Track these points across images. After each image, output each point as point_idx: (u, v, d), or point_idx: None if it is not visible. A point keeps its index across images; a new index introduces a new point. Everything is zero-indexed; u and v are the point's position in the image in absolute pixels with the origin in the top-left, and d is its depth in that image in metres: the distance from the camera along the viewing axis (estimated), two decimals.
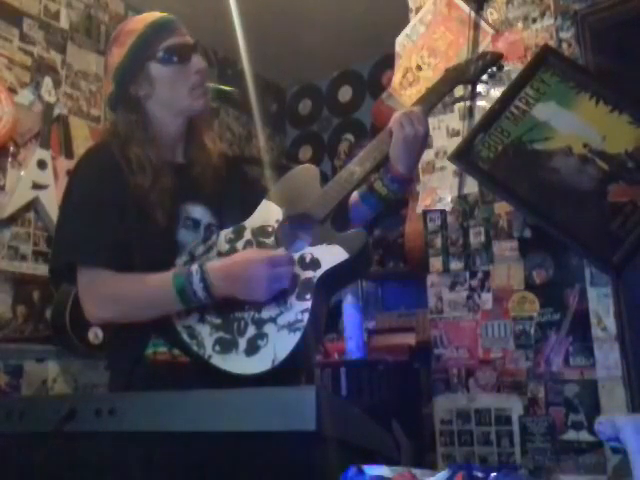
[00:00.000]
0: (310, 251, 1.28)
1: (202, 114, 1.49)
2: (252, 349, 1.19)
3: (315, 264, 1.26)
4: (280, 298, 1.24)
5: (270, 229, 1.35)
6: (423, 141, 1.40)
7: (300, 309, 1.21)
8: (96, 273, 1.30)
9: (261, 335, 1.21)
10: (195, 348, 1.23)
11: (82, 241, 1.32)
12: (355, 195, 1.44)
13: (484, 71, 1.55)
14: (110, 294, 1.30)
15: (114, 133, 1.44)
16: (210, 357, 1.21)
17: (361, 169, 1.36)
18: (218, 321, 1.25)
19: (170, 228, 1.37)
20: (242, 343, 1.21)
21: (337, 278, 1.30)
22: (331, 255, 1.26)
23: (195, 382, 1.15)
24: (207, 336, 1.24)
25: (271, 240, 1.33)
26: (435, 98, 1.47)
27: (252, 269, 1.23)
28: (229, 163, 1.56)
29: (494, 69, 1.56)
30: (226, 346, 1.21)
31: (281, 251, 1.28)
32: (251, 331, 1.22)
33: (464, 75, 1.54)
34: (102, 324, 1.47)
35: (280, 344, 1.18)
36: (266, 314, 1.23)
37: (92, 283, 1.31)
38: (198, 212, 1.42)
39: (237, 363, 1.19)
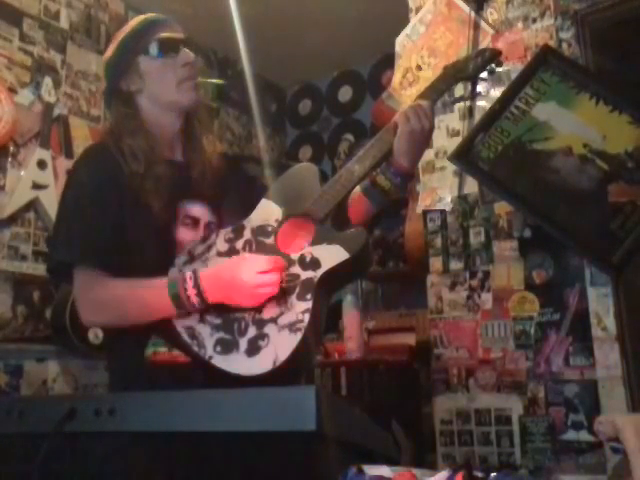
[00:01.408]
0: (310, 251, 1.28)
1: (192, 109, 1.48)
2: (253, 349, 1.19)
3: (315, 264, 1.25)
4: (280, 298, 1.23)
5: (270, 228, 1.34)
6: (428, 136, 1.40)
7: (301, 309, 1.21)
8: (92, 276, 1.30)
9: (262, 335, 1.20)
10: (196, 349, 1.23)
11: (79, 242, 1.32)
12: (356, 191, 1.44)
13: (483, 68, 1.54)
14: (105, 299, 1.30)
15: (109, 130, 1.45)
16: (211, 358, 1.21)
17: (361, 168, 1.36)
18: (218, 321, 1.25)
19: (168, 226, 1.37)
20: (243, 343, 1.20)
21: (337, 278, 1.30)
22: (331, 255, 1.26)
23: (195, 382, 1.15)
24: (207, 336, 1.23)
25: (271, 240, 1.33)
26: (435, 95, 1.47)
27: (239, 276, 1.23)
28: (228, 163, 1.56)
29: (493, 66, 1.56)
30: (227, 346, 1.21)
31: (270, 256, 1.27)
32: (252, 331, 1.22)
33: (463, 72, 1.53)
34: (97, 327, 1.47)
35: (281, 344, 1.18)
36: (267, 314, 1.23)
37: (88, 287, 1.31)
38: (197, 210, 1.42)
39: (238, 363, 1.19)
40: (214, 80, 1.62)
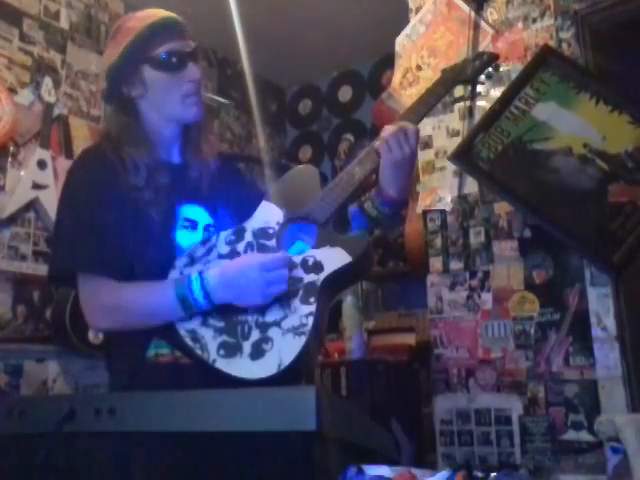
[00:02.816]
0: (312, 254, 1.27)
1: (195, 123, 1.45)
2: (257, 353, 1.18)
3: (318, 267, 1.25)
4: (284, 301, 1.23)
5: (271, 231, 1.34)
6: (412, 161, 1.36)
7: (304, 313, 1.20)
8: (97, 282, 1.30)
9: (266, 339, 1.19)
10: (199, 352, 1.22)
11: (82, 249, 1.31)
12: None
13: (481, 71, 1.54)
14: (111, 304, 1.30)
15: (107, 134, 1.43)
16: (215, 361, 1.20)
17: (361, 170, 1.35)
18: (221, 324, 1.24)
19: (168, 229, 1.36)
20: (247, 347, 1.20)
21: (339, 281, 1.29)
22: (334, 258, 1.25)
23: (198, 384, 1.14)
24: (210, 340, 1.22)
25: (272, 242, 1.32)
26: (433, 100, 1.46)
27: (246, 275, 1.22)
28: (226, 163, 1.55)
29: (490, 70, 1.56)
30: (230, 350, 1.20)
31: (276, 254, 1.27)
32: (255, 335, 1.21)
33: (461, 75, 1.53)
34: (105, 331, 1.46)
35: (286, 348, 1.17)
36: (270, 318, 1.22)
37: (93, 293, 1.30)
38: (196, 213, 1.42)
39: (242, 367, 1.18)
40: (220, 99, 1.59)
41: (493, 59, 1.56)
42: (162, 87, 1.40)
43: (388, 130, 1.35)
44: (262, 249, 1.32)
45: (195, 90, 1.41)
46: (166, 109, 1.41)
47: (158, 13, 1.42)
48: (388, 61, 3.62)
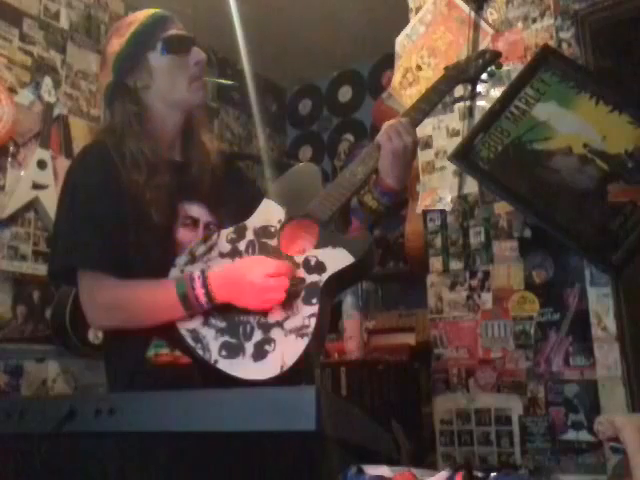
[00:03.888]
0: (315, 254, 1.26)
1: (199, 108, 1.49)
2: (259, 354, 1.17)
3: (320, 268, 1.24)
4: (286, 302, 1.21)
5: (273, 230, 1.33)
6: (412, 153, 1.37)
7: (307, 314, 1.19)
8: (97, 279, 1.29)
9: (268, 340, 1.18)
10: (200, 352, 1.21)
11: (82, 245, 1.30)
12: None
13: (484, 69, 1.54)
14: (112, 302, 1.29)
15: (110, 129, 1.43)
16: (216, 362, 1.19)
17: (364, 169, 1.35)
18: (223, 324, 1.23)
19: (169, 227, 1.36)
20: (249, 348, 1.19)
21: (342, 281, 1.28)
22: (336, 259, 1.24)
23: (198, 384, 1.14)
24: (212, 340, 1.21)
25: (274, 241, 1.31)
26: (436, 97, 1.46)
27: (247, 277, 1.22)
28: (226, 161, 1.55)
29: (493, 68, 1.56)
30: (232, 351, 1.19)
31: (281, 261, 1.26)
32: (257, 335, 1.20)
33: (464, 74, 1.53)
34: (104, 330, 1.46)
35: (288, 349, 1.16)
36: (272, 318, 1.21)
37: (93, 290, 1.30)
38: (196, 210, 1.42)
39: (244, 368, 1.17)
40: (224, 80, 1.61)
41: (495, 57, 1.56)
42: (169, 72, 1.42)
43: (389, 123, 1.37)
44: (264, 248, 1.31)
45: (200, 73, 1.44)
46: (173, 95, 1.42)
47: (153, 9, 1.47)
48: (388, 61, 3.62)
